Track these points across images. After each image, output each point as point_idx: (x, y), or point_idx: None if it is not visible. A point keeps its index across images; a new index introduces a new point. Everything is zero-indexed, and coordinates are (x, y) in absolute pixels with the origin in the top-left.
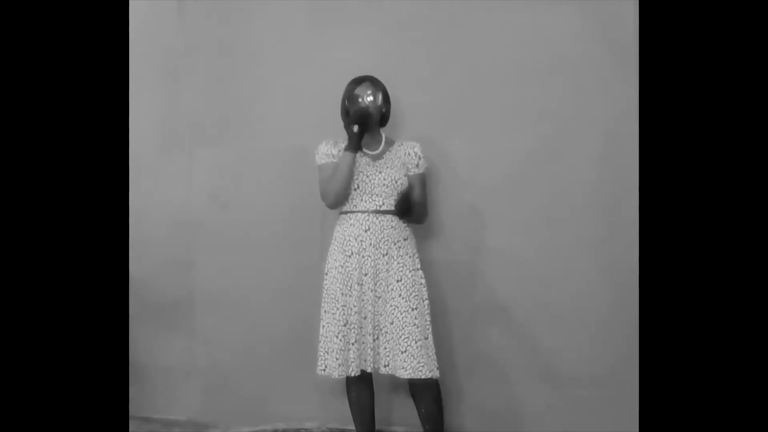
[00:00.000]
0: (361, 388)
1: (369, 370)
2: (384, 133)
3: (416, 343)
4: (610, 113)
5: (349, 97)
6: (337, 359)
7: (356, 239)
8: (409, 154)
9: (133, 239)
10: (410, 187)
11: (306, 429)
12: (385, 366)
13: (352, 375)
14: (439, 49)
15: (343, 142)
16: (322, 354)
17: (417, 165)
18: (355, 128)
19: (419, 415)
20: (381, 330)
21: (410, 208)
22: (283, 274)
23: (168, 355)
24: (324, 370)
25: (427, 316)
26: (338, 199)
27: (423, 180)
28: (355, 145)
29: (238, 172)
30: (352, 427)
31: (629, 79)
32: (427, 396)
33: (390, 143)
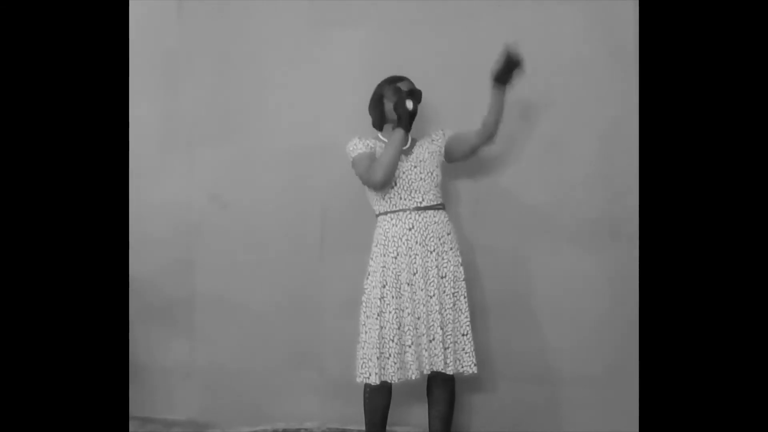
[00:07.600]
0: (382, 392)
1: (426, 372)
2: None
3: (452, 338)
4: (610, 113)
5: (393, 90)
6: (395, 363)
7: (401, 239)
8: (433, 140)
9: (133, 239)
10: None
11: (306, 429)
12: (445, 365)
13: (413, 378)
14: (439, 50)
15: (370, 138)
16: (367, 360)
17: (444, 135)
18: (410, 104)
19: (430, 413)
20: (434, 329)
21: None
22: (283, 274)
23: (168, 355)
24: (369, 377)
25: (467, 312)
26: (387, 175)
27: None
28: (408, 123)
29: (238, 172)
30: (353, 427)
31: (629, 79)
32: (444, 396)
33: (413, 142)
